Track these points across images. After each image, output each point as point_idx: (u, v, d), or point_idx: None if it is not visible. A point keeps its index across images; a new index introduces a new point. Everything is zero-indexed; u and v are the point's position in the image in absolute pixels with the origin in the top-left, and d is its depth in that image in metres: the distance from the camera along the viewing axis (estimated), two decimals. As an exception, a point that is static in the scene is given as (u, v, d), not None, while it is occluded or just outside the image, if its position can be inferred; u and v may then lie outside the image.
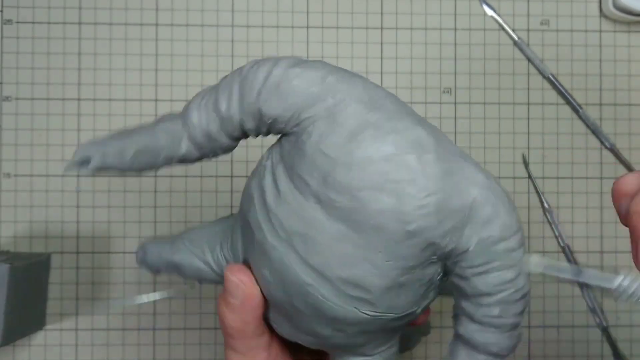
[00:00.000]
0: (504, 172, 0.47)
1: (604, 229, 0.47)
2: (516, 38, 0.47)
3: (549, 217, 0.47)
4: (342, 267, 0.27)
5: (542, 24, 0.48)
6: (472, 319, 0.28)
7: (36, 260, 0.43)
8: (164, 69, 0.47)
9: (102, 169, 0.28)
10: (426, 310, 0.30)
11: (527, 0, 0.48)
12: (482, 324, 0.28)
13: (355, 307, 0.27)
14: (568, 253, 0.47)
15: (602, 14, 0.47)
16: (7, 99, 0.46)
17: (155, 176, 0.46)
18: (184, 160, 0.30)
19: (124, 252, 0.46)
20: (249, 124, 0.29)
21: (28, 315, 0.43)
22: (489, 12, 0.47)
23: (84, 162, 0.28)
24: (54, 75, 0.46)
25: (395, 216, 0.26)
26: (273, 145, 0.30)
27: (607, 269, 0.48)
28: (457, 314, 0.29)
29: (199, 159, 0.30)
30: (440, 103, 0.47)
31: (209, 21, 0.47)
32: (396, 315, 0.28)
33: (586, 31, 0.48)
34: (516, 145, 0.47)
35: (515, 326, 0.28)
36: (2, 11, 0.46)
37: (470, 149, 0.47)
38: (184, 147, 0.29)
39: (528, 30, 0.48)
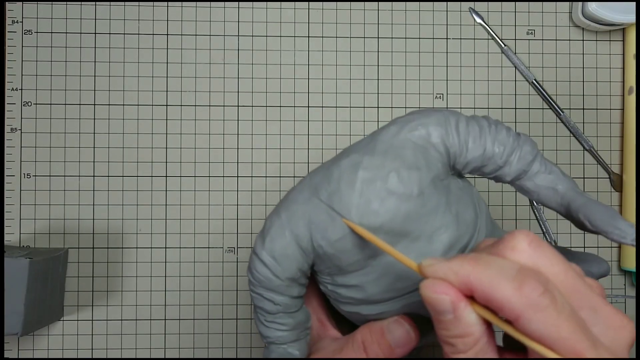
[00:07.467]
0: (493, 173, 0.49)
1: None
2: (503, 45, 0.49)
3: (537, 214, 0.49)
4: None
5: (528, 33, 0.49)
6: (526, 175, 0.33)
7: (54, 255, 0.44)
8: (174, 76, 0.48)
9: None
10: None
11: (514, 11, 0.49)
12: (535, 173, 0.33)
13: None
14: (553, 248, 0.48)
15: (581, 24, 0.49)
16: (27, 104, 0.47)
17: (166, 176, 0.48)
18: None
19: (137, 248, 0.47)
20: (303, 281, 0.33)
21: (47, 306, 0.44)
22: (478, 20, 0.49)
23: None
24: (71, 82, 0.47)
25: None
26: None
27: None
28: (520, 185, 0.33)
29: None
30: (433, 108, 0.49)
31: (216, 31, 0.48)
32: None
33: (569, 40, 0.50)
34: (504, 147, 0.49)
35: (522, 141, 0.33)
36: (22, 22, 0.47)
37: (461, 151, 0.49)
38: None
39: (515, 39, 0.49)
